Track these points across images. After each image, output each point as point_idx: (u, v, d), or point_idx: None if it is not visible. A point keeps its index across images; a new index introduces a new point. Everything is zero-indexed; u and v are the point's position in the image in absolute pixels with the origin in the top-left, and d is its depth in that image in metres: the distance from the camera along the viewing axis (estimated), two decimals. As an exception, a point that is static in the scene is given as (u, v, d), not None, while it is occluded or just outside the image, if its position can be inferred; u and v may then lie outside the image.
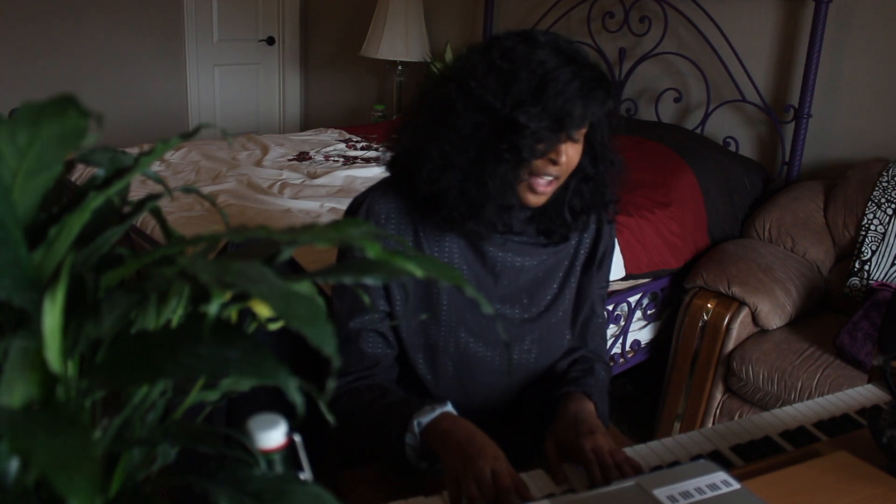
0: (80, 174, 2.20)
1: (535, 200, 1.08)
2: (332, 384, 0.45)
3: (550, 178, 1.06)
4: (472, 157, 1.04)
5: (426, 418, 1.01)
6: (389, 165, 1.17)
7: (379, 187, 1.16)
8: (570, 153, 1.05)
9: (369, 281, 0.47)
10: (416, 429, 1.01)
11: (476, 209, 1.05)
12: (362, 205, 1.14)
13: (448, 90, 1.06)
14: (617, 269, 2.07)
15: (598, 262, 1.25)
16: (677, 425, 2.25)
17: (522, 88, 1.01)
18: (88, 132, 0.45)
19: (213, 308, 0.45)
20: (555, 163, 1.04)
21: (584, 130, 1.07)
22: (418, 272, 0.46)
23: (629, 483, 0.84)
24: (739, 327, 2.11)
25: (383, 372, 1.15)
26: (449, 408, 1.03)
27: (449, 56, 3.53)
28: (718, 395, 2.17)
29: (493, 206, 1.06)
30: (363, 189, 1.19)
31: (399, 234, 1.12)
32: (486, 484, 0.90)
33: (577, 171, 1.12)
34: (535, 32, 1.06)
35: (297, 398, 0.42)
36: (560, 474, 0.97)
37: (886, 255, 2.17)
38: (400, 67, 3.83)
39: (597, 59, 2.91)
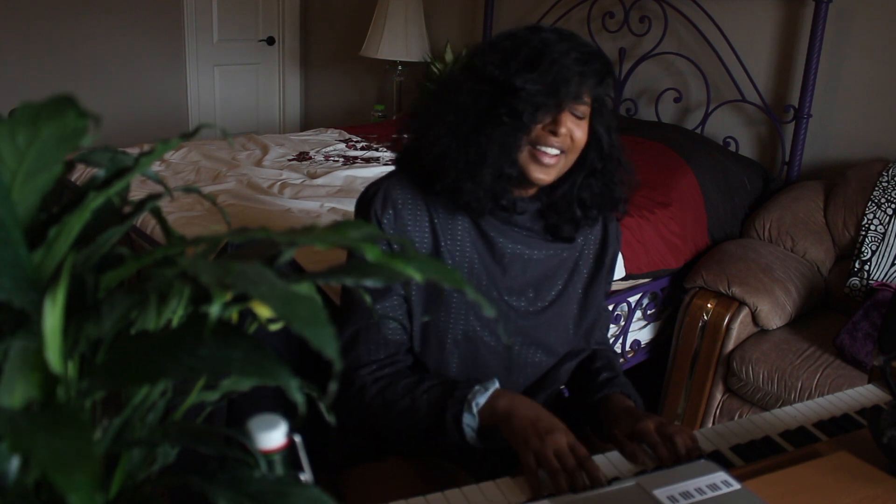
0: (80, 174, 2.20)
1: (540, 175, 1.10)
2: (333, 386, 0.45)
3: (556, 153, 1.08)
4: (472, 123, 1.08)
5: (482, 398, 1.04)
6: (397, 161, 1.20)
7: (392, 176, 1.18)
8: (573, 129, 1.08)
9: (370, 283, 0.47)
10: (475, 409, 1.04)
11: (473, 171, 1.08)
12: (378, 192, 1.15)
13: (453, 75, 1.12)
14: (617, 269, 2.07)
15: (606, 267, 1.28)
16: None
17: (521, 59, 1.06)
18: (87, 133, 0.44)
19: (215, 309, 0.45)
20: (555, 133, 1.07)
21: (585, 108, 1.09)
22: (418, 276, 0.46)
23: (629, 483, 0.85)
24: (739, 327, 2.11)
25: (403, 359, 1.17)
26: (497, 385, 1.07)
27: (449, 56, 3.53)
28: (718, 395, 2.17)
29: (492, 171, 1.08)
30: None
31: (416, 219, 1.14)
32: (567, 455, 0.93)
33: (585, 165, 1.14)
34: (540, 25, 1.13)
35: (299, 398, 0.42)
36: (638, 456, 1.00)
37: (886, 255, 2.17)
38: (400, 67, 3.83)
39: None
